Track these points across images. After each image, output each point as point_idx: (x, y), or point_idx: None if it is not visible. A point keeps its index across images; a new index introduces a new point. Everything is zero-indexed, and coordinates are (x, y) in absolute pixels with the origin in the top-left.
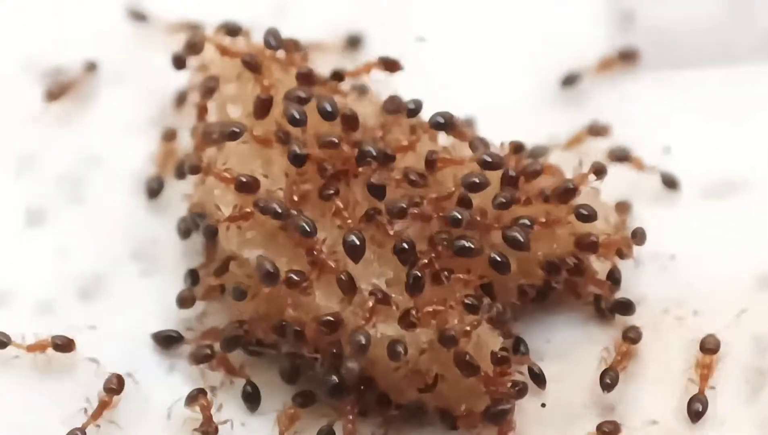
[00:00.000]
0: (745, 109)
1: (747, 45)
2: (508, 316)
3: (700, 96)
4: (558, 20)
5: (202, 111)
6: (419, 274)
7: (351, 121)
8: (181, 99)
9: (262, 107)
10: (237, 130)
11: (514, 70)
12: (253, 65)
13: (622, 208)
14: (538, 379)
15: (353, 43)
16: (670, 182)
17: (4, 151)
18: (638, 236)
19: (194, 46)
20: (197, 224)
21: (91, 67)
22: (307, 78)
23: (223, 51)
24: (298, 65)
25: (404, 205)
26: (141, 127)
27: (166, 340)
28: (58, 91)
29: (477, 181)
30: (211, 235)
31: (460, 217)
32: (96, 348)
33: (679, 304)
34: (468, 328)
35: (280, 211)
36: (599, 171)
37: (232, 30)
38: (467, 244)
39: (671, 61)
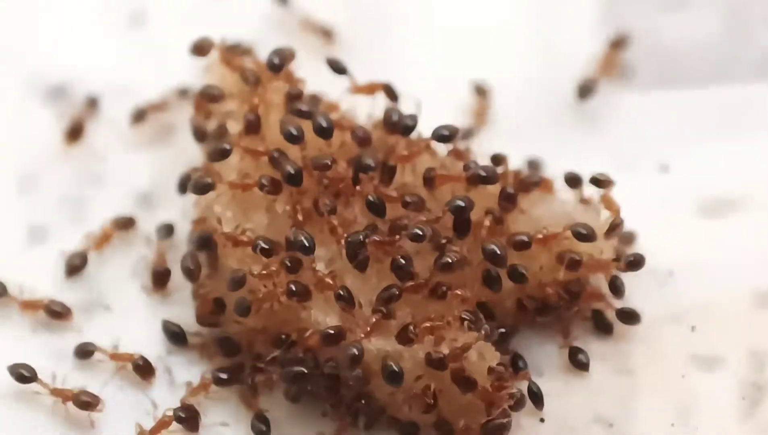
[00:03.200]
0: (743, 127)
1: (745, 63)
2: (495, 337)
3: (698, 114)
4: (555, 40)
5: (200, 132)
6: (396, 293)
7: (363, 141)
8: (139, 116)
9: (251, 126)
10: (227, 147)
11: (510, 88)
12: (250, 79)
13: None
14: (536, 398)
15: (328, 35)
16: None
17: (7, 169)
18: (636, 260)
19: (200, 49)
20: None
21: (92, 103)
22: (296, 99)
23: (227, 61)
24: (291, 85)
25: (361, 238)
26: (143, 146)
27: (172, 335)
28: (74, 131)
29: (462, 204)
30: (205, 243)
31: (421, 233)
32: (96, 364)
33: (677, 320)
34: (459, 351)
35: (266, 247)
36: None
37: (236, 49)
38: (449, 260)
39: (669, 79)
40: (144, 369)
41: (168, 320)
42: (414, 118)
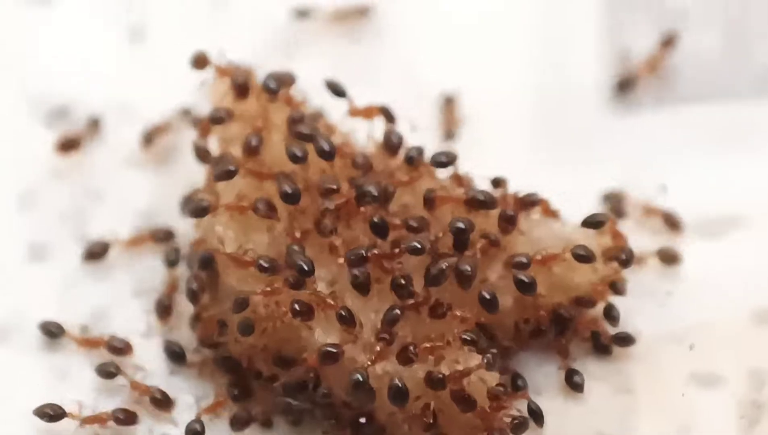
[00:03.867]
0: (742, 145)
1: (745, 80)
2: (498, 365)
3: (697, 132)
4: (554, 57)
5: (203, 153)
6: (398, 312)
7: (364, 166)
8: (147, 139)
9: (252, 148)
10: (232, 169)
11: (507, 108)
12: (241, 89)
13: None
14: (536, 416)
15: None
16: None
17: (7, 185)
18: (627, 258)
19: (199, 63)
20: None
21: (94, 123)
22: (298, 123)
23: (222, 72)
24: (293, 108)
25: (363, 253)
26: (144, 162)
27: (173, 355)
28: (68, 144)
29: (462, 226)
30: (207, 264)
31: (420, 246)
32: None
33: (676, 339)
34: (459, 375)
35: (266, 265)
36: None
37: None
38: (443, 267)
39: (668, 97)
40: (162, 403)
41: (169, 340)
42: (419, 150)
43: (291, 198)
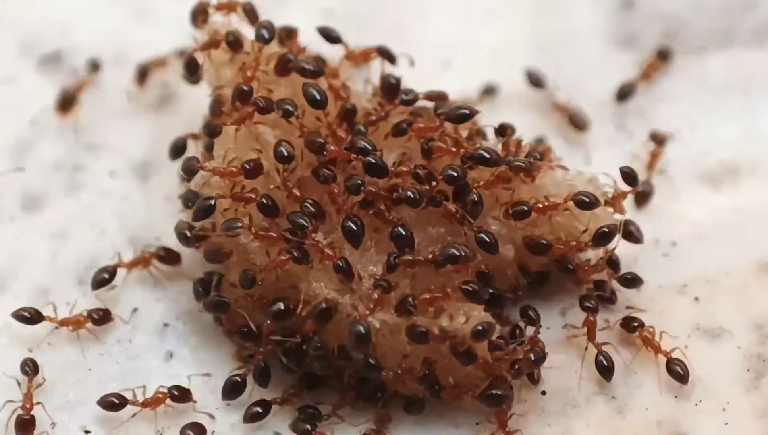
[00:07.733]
0: (746, 95)
1: (748, 29)
2: (496, 330)
3: (701, 81)
4: (556, 4)
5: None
6: (397, 261)
7: (349, 115)
8: (141, 74)
9: (242, 96)
10: (216, 126)
11: (512, 57)
12: (234, 44)
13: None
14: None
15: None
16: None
17: (1, 136)
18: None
19: (199, 15)
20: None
21: (94, 66)
22: (285, 65)
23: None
24: (289, 50)
25: (360, 182)
26: (139, 112)
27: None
28: (66, 102)
29: (454, 174)
30: (208, 212)
31: (413, 196)
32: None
33: (681, 291)
34: (443, 335)
35: (268, 204)
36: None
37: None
38: (455, 253)
39: (672, 46)
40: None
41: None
42: (412, 93)
43: (285, 160)
